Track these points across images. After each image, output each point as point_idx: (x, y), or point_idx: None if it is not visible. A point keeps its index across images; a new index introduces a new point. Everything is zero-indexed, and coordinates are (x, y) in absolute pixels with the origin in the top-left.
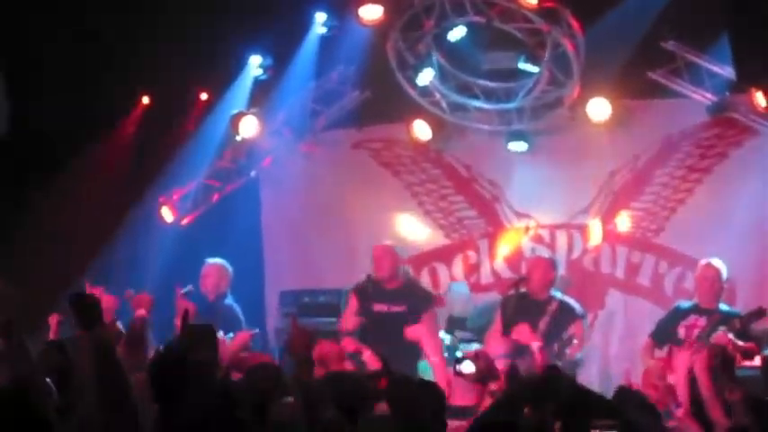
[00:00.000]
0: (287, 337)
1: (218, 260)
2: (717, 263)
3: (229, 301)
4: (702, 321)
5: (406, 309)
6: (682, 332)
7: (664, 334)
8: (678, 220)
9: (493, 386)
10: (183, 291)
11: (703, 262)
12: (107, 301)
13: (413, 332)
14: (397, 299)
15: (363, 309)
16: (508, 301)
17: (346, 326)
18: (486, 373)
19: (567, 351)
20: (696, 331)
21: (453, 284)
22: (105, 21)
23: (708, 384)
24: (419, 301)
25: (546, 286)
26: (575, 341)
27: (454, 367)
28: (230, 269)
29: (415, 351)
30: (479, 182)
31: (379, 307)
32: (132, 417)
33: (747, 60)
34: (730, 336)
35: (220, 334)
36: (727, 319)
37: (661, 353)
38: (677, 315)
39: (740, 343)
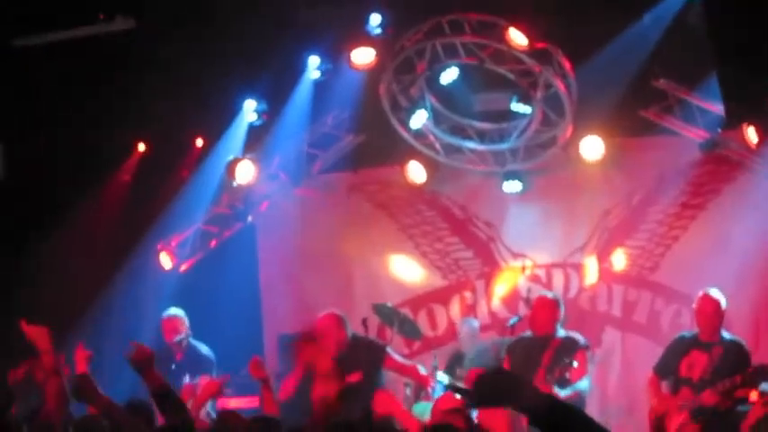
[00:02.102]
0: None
1: (170, 312)
2: (715, 294)
3: (192, 341)
4: (704, 358)
5: (362, 376)
6: (684, 369)
7: (666, 368)
8: (673, 257)
9: None
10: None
11: (701, 293)
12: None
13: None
14: (349, 367)
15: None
16: (516, 346)
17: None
18: None
19: (568, 375)
20: (698, 371)
21: (466, 319)
22: (101, 68)
23: None
24: (372, 358)
25: (551, 325)
26: (575, 363)
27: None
28: (183, 315)
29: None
30: (475, 223)
31: None
32: None
33: (736, 98)
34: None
35: (186, 378)
36: (729, 347)
37: (666, 389)
38: (679, 347)
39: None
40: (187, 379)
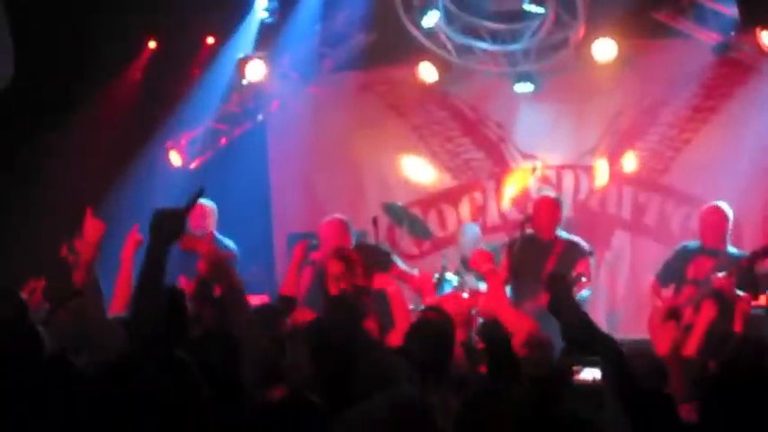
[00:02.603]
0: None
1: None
2: (722, 206)
3: (217, 234)
4: (710, 262)
5: None
6: (690, 273)
7: (669, 274)
8: (684, 160)
9: None
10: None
11: (707, 206)
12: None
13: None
14: None
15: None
16: (514, 244)
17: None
18: None
19: (575, 289)
20: (704, 272)
21: (466, 225)
22: None
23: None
24: (378, 264)
25: (552, 226)
26: (583, 279)
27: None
28: (213, 207)
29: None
30: (485, 123)
31: None
32: None
33: (750, 0)
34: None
35: None
36: (734, 261)
37: (667, 292)
38: (684, 255)
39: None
40: None
